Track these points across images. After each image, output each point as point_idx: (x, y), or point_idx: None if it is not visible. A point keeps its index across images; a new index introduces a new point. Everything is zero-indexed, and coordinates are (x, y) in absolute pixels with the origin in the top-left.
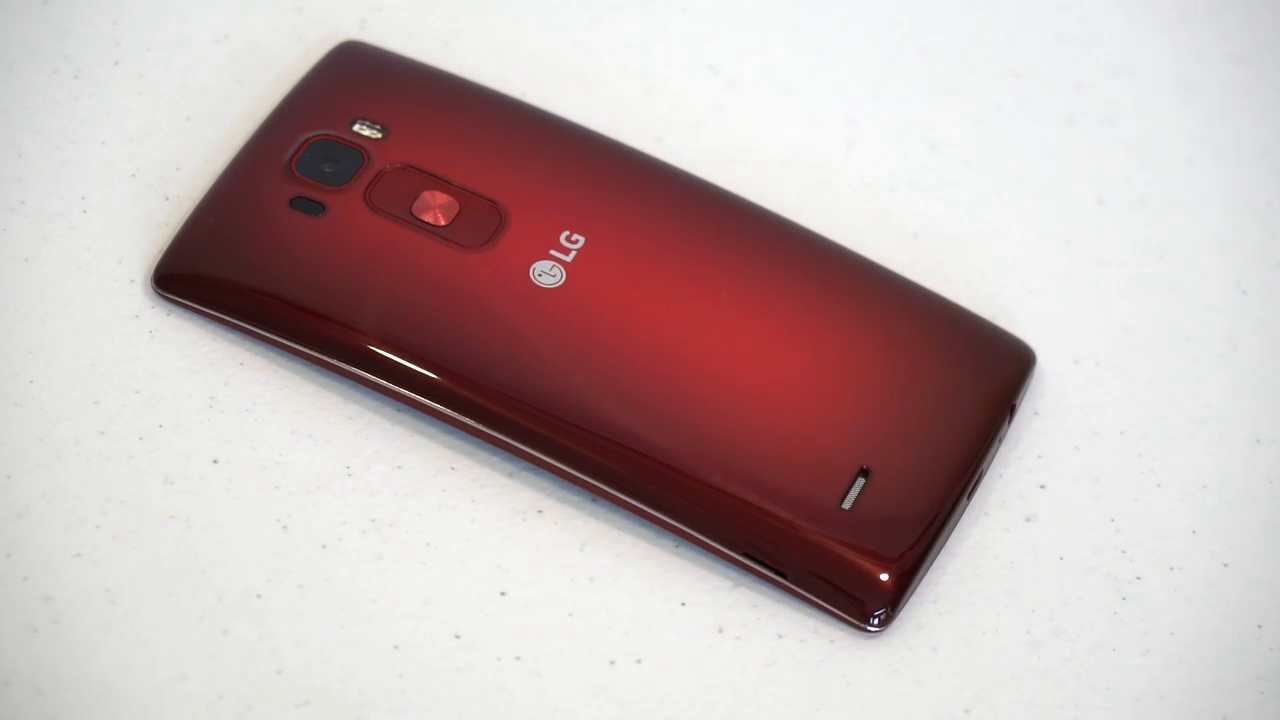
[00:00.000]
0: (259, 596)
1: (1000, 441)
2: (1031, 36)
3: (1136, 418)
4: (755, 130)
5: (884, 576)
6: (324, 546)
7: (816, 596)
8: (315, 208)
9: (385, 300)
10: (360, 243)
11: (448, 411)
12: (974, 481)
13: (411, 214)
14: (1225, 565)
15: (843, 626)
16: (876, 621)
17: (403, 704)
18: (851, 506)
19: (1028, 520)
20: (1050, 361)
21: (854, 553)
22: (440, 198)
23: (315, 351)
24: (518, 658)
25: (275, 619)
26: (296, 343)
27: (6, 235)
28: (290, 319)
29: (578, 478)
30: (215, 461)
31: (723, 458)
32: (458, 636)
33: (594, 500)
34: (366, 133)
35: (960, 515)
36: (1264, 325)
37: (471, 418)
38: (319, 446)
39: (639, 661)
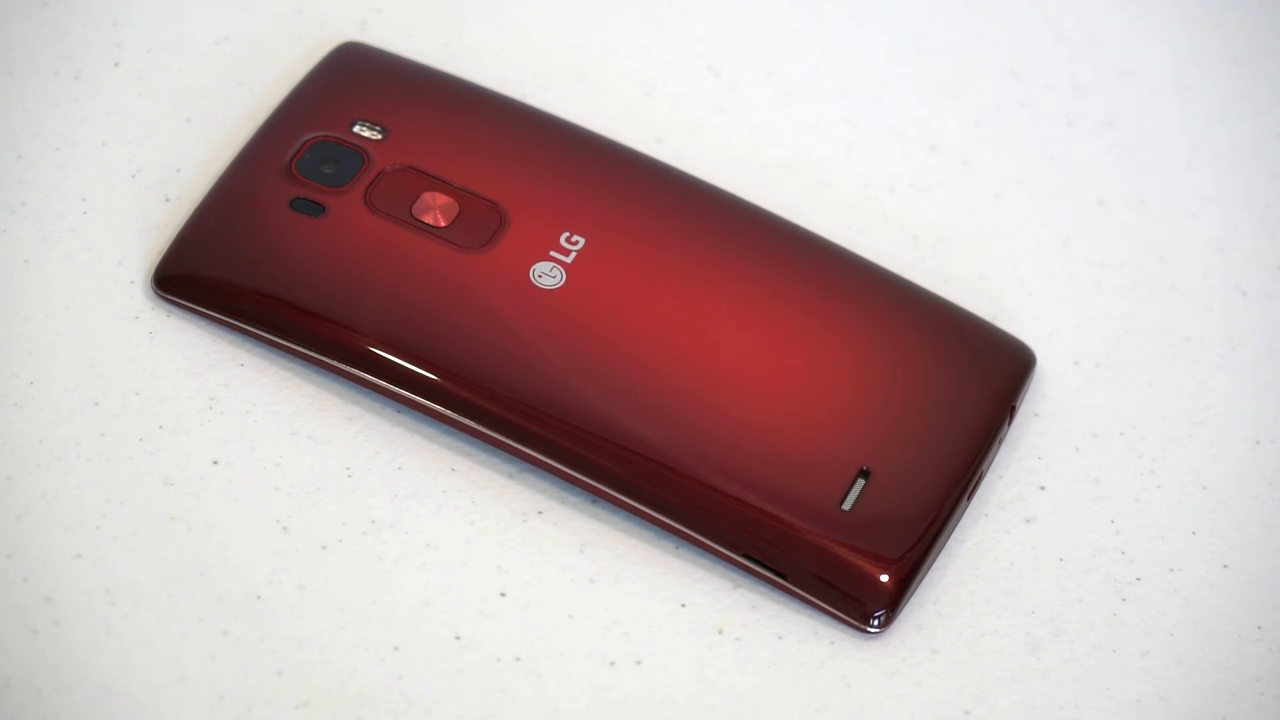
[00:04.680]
0: (259, 597)
1: (1000, 443)
2: (1031, 38)
3: (1136, 419)
4: (755, 132)
5: (884, 578)
6: (324, 548)
7: (816, 598)
8: (315, 209)
9: (385, 302)
10: (360, 244)
11: (448, 413)
12: (974, 483)
13: (412, 215)
14: (1225, 566)
15: (843, 628)
16: (876, 623)
17: (403, 705)
18: (851, 507)
19: (1028, 521)
20: (1050, 363)
21: (854, 554)
22: (440, 199)
23: (315, 353)
24: (518, 659)
25: (275, 620)
26: (296, 344)
27: (7, 236)
28: (290, 320)
29: (578, 479)
30: (215, 463)
31: (722, 459)
32: (458, 638)
33: (594, 501)
34: (366, 134)
35: (960, 516)
36: (1263, 326)
37: (471, 419)
38: (319, 448)
39: (639, 663)
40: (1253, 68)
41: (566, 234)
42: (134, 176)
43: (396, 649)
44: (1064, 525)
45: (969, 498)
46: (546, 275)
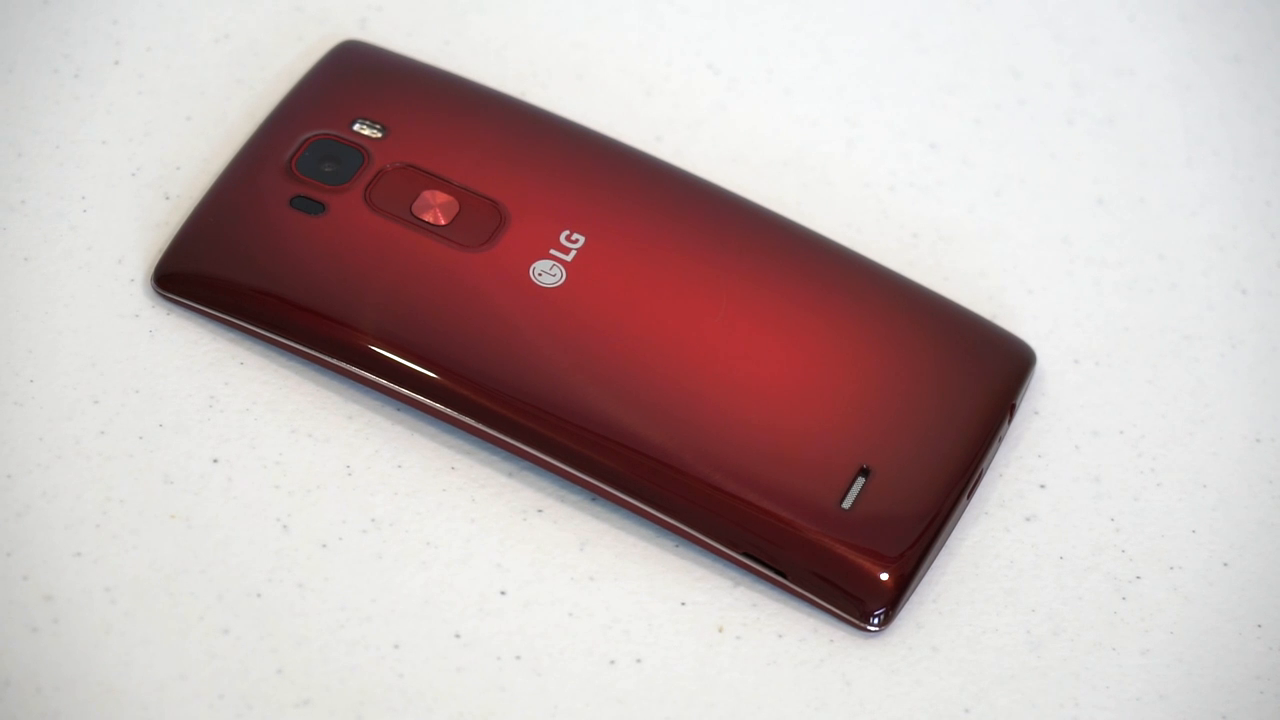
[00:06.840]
0: (259, 596)
1: (1000, 441)
2: (1031, 36)
3: (1136, 417)
4: (755, 129)
5: (884, 576)
6: (324, 546)
7: (816, 596)
8: (315, 207)
9: (385, 300)
10: (360, 242)
11: (448, 411)
12: (974, 481)
13: (412, 213)
14: (1225, 564)
15: (843, 626)
16: (876, 621)
17: (403, 704)
18: (851, 506)
19: (1028, 520)
20: (1050, 361)
21: (854, 552)
22: (440, 197)
23: (315, 351)
24: (518, 657)
25: (275, 618)
26: (297, 342)
27: (7, 234)
28: (290, 318)
29: (578, 477)
30: (215, 461)
31: (723, 457)
32: (458, 636)
33: (594, 499)
34: (366, 132)
35: (960, 515)
36: (1263, 325)
37: (471, 417)
38: (319, 446)
39: (639, 661)
40: (1253, 67)
41: (566, 232)
42: (134, 175)
43: (396, 647)
44: (1064, 523)
45: (969, 496)
46: (546, 273)
